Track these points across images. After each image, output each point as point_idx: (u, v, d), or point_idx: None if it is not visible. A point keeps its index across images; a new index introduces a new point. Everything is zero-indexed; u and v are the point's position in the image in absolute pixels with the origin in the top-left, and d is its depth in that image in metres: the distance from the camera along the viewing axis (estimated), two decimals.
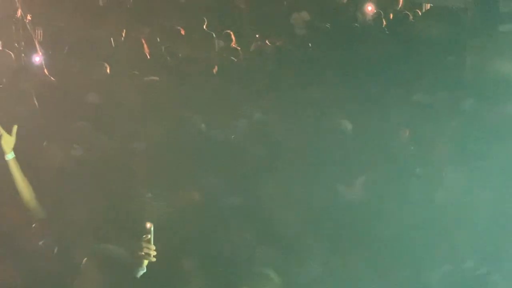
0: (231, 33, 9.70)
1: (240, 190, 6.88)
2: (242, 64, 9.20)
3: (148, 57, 8.94)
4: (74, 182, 6.60)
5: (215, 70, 8.78)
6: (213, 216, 6.52)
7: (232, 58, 9.19)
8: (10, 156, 5.92)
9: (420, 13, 10.24)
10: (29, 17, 9.18)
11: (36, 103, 7.94)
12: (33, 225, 6.05)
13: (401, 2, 10.87)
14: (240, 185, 6.93)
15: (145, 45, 8.93)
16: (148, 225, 5.37)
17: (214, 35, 9.67)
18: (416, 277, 5.94)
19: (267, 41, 9.71)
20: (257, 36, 10.00)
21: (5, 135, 5.90)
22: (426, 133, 7.18)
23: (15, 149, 5.98)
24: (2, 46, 8.85)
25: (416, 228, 6.23)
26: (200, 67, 8.74)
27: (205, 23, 10.04)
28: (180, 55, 9.01)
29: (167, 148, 7.28)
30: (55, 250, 5.95)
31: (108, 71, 8.46)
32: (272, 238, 6.24)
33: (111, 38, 9.09)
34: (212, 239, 6.30)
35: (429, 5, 10.31)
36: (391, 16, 10.54)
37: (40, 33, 9.14)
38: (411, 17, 10.02)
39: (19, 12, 9.20)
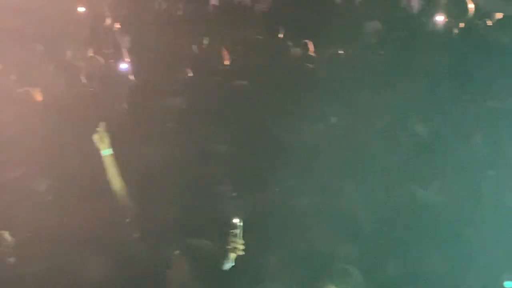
0: (307, 41, 9.98)
1: (318, 191, 7.15)
2: (318, 71, 9.46)
3: (229, 63, 9.26)
4: (163, 181, 6.95)
5: (292, 77, 9.05)
6: (294, 214, 6.81)
7: (309, 65, 9.47)
8: (107, 152, 6.27)
9: (491, 22, 10.34)
10: (117, 26, 9.65)
11: (124, 106, 8.34)
12: (127, 220, 6.39)
13: (472, 11, 10.96)
14: (318, 186, 7.20)
15: (225, 52, 9.27)
16: (236, 220, 5.66)
17: (290, 44, 9.97)
18: (493, 279, 6.11)
19: (341, 50, 9.95)
20: (331, 44, 10.21)
21: (103, 133, 6.26)
22: (499, 137, 7.36)
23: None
24: (94, 53, 9.29)
25: (490, 230, 6.42)
26: (278, 74, 9.02)
27: (282, 32, 10.34)
28: (258, 62, 9.31)
29: (248, 150, 7.59)
30: (147, 244, 6.27)
31: (191, 76, 8.83)
32: (352, 237, 6.48)
33: (194, 46, 9.47)
34: (294, 236, 6.57)
35: (500, 14, 10.40)
36: (462, 24, 10.65)
37: (128, 40, 9.55)
38: (482, 25, 10.13)
39: (108, 21, 9.67)
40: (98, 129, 6.30)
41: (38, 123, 7.74)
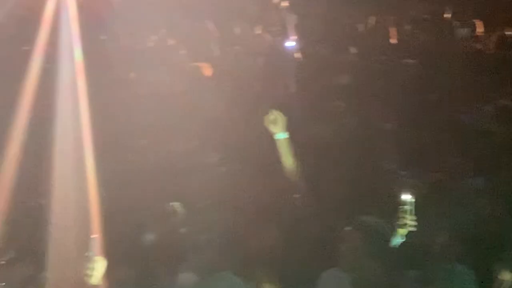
0: (475, 21, 9.81)
1: (486, 171, 7.05)
2: (485, 52, 9.30)
3: (395, 42, 9.21)
4: (332, 158, 6.99)
5: (460, 57, 8.93)
6: (459, 195, 6.74)
7: (476, 45, 9.32)
8: (282, 135, 6.32)
9: None
10: (285, 3, 9.74)
11: (290, 83, 8.42)
12: (297, 196, 6.43)
13: None
14: (485, 166, 7.09)
15: (392, 31, 9.22)
16: (407, 196, 5.66)
17: (457, 23, 9.82)
18: None
19: (509, 30, 9.74)
20: (499, 25, 10.00)
21: (279, 117, 6.31)
22: None
23: None
24: (261, 30, 9.42)
25: None
26: (445, 54, 8.92)
27: (449, 12, 10.20)
28: (425, 41, 9.23)
29: (414, 129, 7.54)
30: (318, 220, 6.32)
31: (357, 54, 8.83)
32: None
33: (359, 24, 9.46)
34: (462, 216, 6.49)
35: None
36: None
37: (294, 18, 9.61)
38: None
39: None
40: (272, 112, 6.34)
41: (208, 97, 7.92)
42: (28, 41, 8.49)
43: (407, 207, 5.72)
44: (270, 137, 6.58)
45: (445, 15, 10.05)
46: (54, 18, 8.39)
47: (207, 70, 8.30)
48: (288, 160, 6.29)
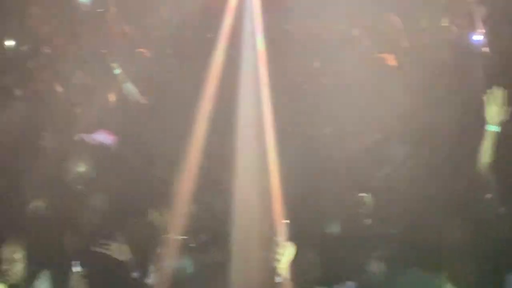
0: None
1: None
2: None
3: None
4: None
5: None
6: None
7: None
8: (494, 128, 6.03)
9: None
10: None
11: (477, 79, 8.17)
12: (488, 196, 6.18)
13: None
14: None
15: None
16: None
17: None
18: None
19: None
20: None
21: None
22: None
23: None
24: (449, 23, 9.20)
25: None
26: None
27: None
28: None
29: None
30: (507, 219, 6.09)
31: None
32: None
33: None
34: None
35: None
36: None
37: (483, 10, 9.30)
38: None
39: None
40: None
41: (393, 89, 7.83)
42: (212, 29, 8.61)
43: None
44: (458, 130, 6.43)
45: None
46: (238, 7, 8.47)
47: (391, 61, 8.19)
48: (487, 155, 6.02)
